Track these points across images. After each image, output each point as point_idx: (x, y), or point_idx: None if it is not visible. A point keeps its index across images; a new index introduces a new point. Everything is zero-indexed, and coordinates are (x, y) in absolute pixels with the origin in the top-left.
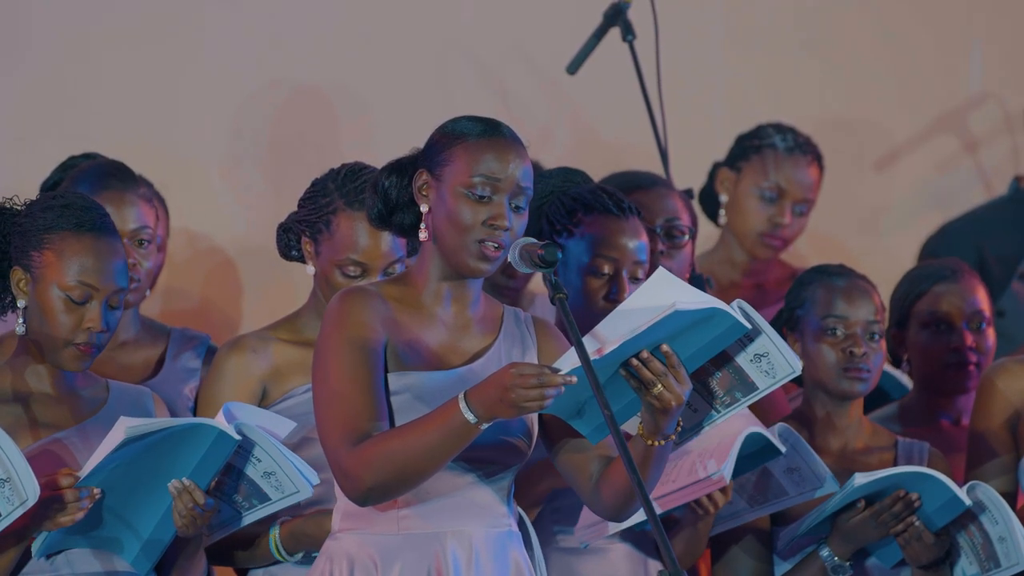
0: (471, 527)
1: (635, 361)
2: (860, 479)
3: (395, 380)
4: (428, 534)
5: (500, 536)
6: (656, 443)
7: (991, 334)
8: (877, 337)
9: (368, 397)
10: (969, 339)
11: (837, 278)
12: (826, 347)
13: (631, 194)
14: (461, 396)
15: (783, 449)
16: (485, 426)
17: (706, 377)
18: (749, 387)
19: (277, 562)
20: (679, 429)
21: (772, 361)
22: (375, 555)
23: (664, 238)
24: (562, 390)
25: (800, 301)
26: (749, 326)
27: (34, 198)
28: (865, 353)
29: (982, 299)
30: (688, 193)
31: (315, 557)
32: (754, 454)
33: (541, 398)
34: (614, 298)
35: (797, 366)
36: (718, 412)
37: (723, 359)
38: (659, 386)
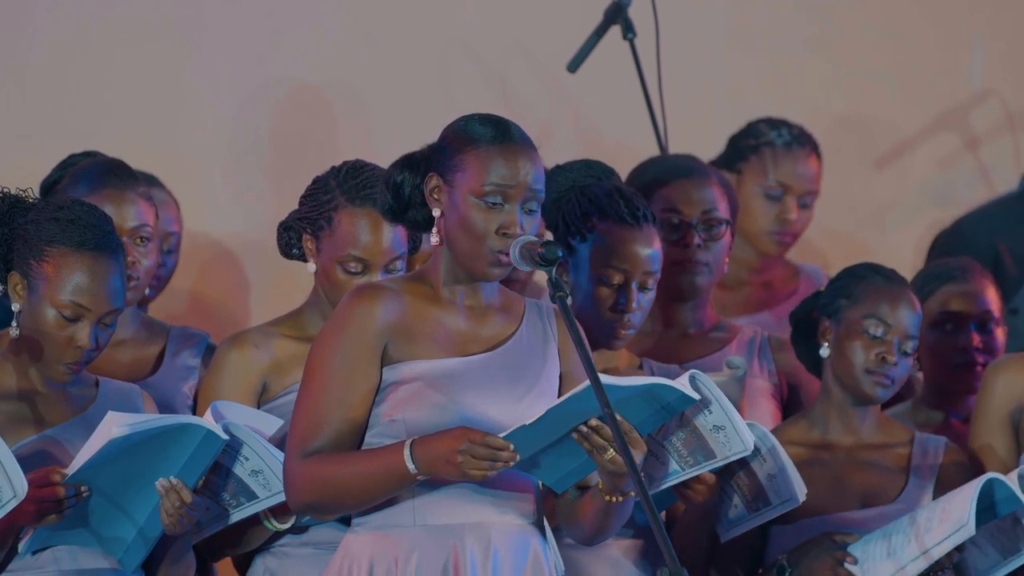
0: (489, 519)
1: (584, 428)
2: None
3: (407, 368)
4: (445, 527)
5: (520, 529)
6: (615, 499)
7: (1000, 334)
8: (911, 349)
9: (334, 413)
10: (976, 339)
11: (889, 281)
12: (859, 345)
13: (668, 184)
14: (408, 443)
15: (696, 397)
16: (423, 479)
17: (672, 436)
18: (709, 453)
19: (271, 541)
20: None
21: (728, 436)
22: (393, 551)
23: (701, 229)
24: (510, 465)
25: (847, 292)
26: (698, 397)
27: (44, 201)
28: (896, 363)
29: (992, 299)
30: None
31: (307, 526)
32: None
33: (488, 470)
34: (621, 308)
35: (749, 445)
36: (682, 470)
37: (687, 423)
38: (610, 451)
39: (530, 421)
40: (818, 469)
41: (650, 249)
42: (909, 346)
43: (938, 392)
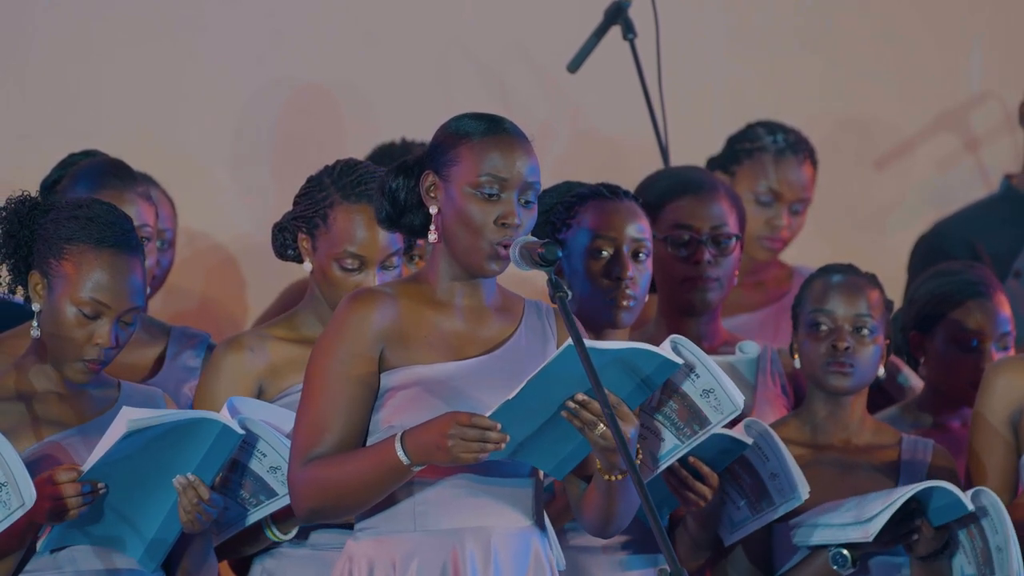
0: (491, 523)
1: (572, 404)
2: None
3: (404, 374)
4: (446, 531)
5: (521, 530)
6: (614, 478)
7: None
8: (867, 333)
9: (334, 420)
10: (996, 359)
11: (835, 275)
12: (812, 341)
13: (677, 200)
14: (398, 436)
15: (678, 361)
16: (418, 468)
17: (664, 408)
18: (704, 420)
19: (273, 545)
20: (639, 460)
21: (718, 397)
22: (394, 555)
23: (711, 245)
24: (501, 447)
25: (800, 299)
26: (681, 361)
27: (63, 201)
28: (848, 348)
29: (1010, 318)
30: None
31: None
32: (724, 450)
33: (480, 451)
34: (617, 275)
35: (739, 404)
36: (681, 443)
37: (678, 393)
38: (600, 426)
39: (512, 395)
40: (811, 470)
41: (635, 221)
42: (864, 326)
43: (939, 397)
